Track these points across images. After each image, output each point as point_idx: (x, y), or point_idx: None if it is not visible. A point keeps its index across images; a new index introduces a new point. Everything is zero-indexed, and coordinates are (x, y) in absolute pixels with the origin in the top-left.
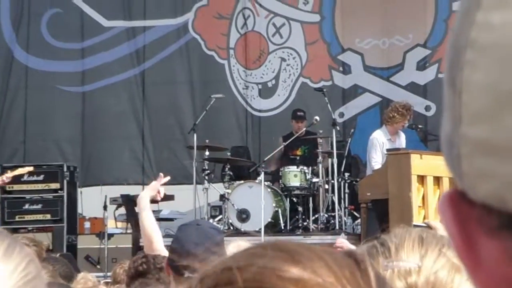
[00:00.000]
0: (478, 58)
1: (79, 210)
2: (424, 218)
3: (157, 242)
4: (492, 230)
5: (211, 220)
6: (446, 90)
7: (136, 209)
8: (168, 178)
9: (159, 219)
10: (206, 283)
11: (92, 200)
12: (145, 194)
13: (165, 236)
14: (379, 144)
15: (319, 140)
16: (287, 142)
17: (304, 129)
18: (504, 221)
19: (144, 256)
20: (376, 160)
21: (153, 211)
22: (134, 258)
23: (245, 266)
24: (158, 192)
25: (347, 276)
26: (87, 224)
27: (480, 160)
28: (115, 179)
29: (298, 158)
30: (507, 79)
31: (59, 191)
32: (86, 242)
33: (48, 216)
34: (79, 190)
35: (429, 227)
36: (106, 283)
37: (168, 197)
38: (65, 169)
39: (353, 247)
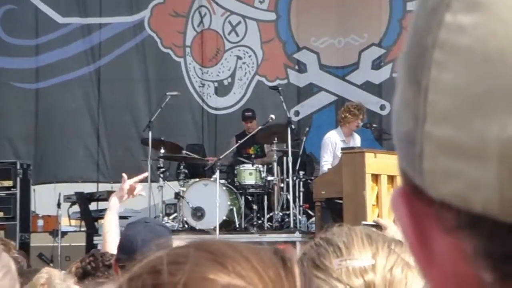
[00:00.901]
0: (448, 59)
1: (32, 208)
2: (378, 216)
3: (110, 243)
4: (449, 228)
5: (165, 218)
6: (406, 87)
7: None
8: (145, 174)
9: None
10: (132, 285)
11: (45, 198)
12: (113, 195)
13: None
14: (332, 144)
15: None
16: (242, 141)
17: (259, 127)
18: (462, 220)
19: (91, 255)
20: (326, 160)
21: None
22: (82, 257)
23: (170, 267)
24: (129, 191)
25: (271, 277)
26: (40, 222)
27: (444, 159)
28: (69, 176)
29: (252, 156)
30: (477, 83)
31: (12, 189)
32: (39, 240)
33: (1, 214)
34: (32, 188)
35: (379, 225)
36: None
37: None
38: (18, 166)
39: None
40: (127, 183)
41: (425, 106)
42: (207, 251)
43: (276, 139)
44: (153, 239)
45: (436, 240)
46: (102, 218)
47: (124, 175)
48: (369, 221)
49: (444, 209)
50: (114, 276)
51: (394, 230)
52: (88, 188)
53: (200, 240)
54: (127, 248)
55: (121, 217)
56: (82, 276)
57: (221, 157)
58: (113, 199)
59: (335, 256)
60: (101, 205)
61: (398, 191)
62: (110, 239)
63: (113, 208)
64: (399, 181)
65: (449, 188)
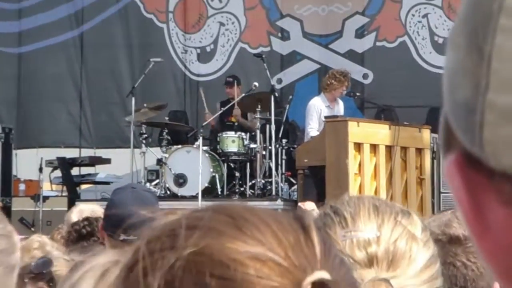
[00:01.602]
0: None
1: (14, 172)
2: (360, 185)
3: None
4: (508, 200)
5: (147, 184)
6: (465, 55)
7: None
8: None
9: (95, 182)
10: (151, 247)
11: (27, 163)
12: None
13: (101, 199)
14: (317, 111)
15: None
16: (225, 108)
17: (243, 95)
18: None
19: (86, 218)
20: (312, 127)
21: (90, 174)
22: (74, 221)
23: (188, 232)
24: None
25: (291, 242)
26: (22, 186)
27: (508, 128)
28: (52, 141)
29: (235, 124)
30: None
31: None
32: (20, 204)
33: None
34: (14, 152)
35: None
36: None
37: (104, 161)
38: (0, 130)
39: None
40: None
41: (488, 74)
42: (226, 215)
43: (259, 107)
44: (139, 205)
45: (493, 211)
46: (84, 183)
47: None
48: (352, 190)
49: (504, 181)
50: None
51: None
52: (71, 153)
53: (220, 204)
54: (114, 214)
55: (102, 183)
56: (76, 240)
57: (204, 124)
58: None
59: (340, 226)
60: (83, 170)
61: (453, 160)
62: None
63: None
64: (381, 150)
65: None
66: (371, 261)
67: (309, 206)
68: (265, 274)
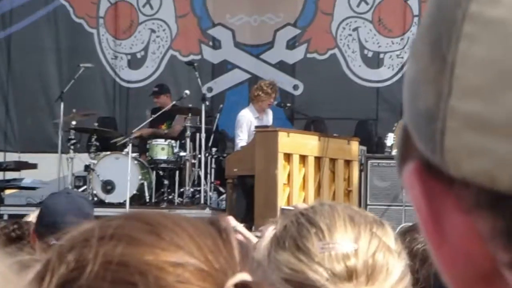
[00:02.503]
0: (479, 32)
1: None
2: (289, 195)
3: None
4: (467, 208)
5: (74, 191)
6: (428, 63)
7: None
8: None
9: (21, 187)
10: (62, 258)
11: None
12: None
13: (27, 205)
14: (247, 123)
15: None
16: (155, 116)
17: (173, 102)
18: (482, 199)
19: (15, 222)
20: (242, 138)
21: (15, 179)
22: (2, 225)
23: (103, 241)
24: None
25: (209, 246)
26: None
27: (469, 135)
28: None
29: (165, 132)
30: None
31: None
32: None
33: None
34: None
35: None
36: None
37: (30, 166)
38: None
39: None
40: None
41: (450, 81)
42: (142, 222)
43: (190, 115)
44: (74, 211)
45: (451, 219)
46: (8, 188)
47: None
48: (281, 200)
49: (463, 188)
50: (35, 246)
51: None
52: None
53: (134, 211)
54: (47, 219)
55: (28, 188)
56: (4, 243)
57: (134, 131)
58: None
59: (317, 238)
60: (8, 175)
61: (411, 169)
62: None
63: None
64: (310, 161)
65: (473, 165)
66: (350, 275)
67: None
68: (186, 279)
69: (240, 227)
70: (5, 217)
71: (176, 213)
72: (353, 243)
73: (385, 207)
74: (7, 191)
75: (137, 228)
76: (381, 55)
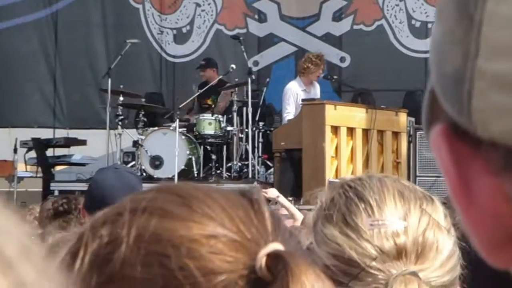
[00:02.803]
0: None
1: None
2: (337, 168)
3: None
4: (495, 169)
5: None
6: (454, 24)
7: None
8: None
9: (70, 164)
10: (95, 232)
11: (1, 143)
12: None
13: (76, 181)
14: (293, 95)
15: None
16: (202, 91)
17: (219, 77)
18: (510, 160)
19: (65, 197)
20: (289, 111)
21: (65, 156)
22: (53, 199)
23: (135, 213)
24: None
25: (241, 217)
26: None
27: (497, 95)
28: (25, 121)
29: (212, 106)
30: None
31: None
32: None
33: None
34: None
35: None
36: None
37: (80, 142)
38: None
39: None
40: None
41: (477, 41)
42: (173, 194)
43: (236, 89)
44: (122, 186)
45: (480, 181)
46: (58, 164)
47: None
48: (329, 173)
49: (491, 150)
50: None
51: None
52: (44, 133)
53: (165, 184)
54: (96, 194)
55: (78, 164)
56: (53, 217)
57: (181, 106)
58: None
59: (366, 214)
60: (58, 151)
61: (439, 132)
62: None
63: None
64: (358, 133)
65: (501, 125)
66: (399, 253)
67: (272, 193)
68: (219, 250)
69: (283, 200)
70: (56, 193)
71: (207, 185)
72: (403, 220)
73: (434, 178)
74: (58, 167)
75: (168, 201)
76: (429, 25)
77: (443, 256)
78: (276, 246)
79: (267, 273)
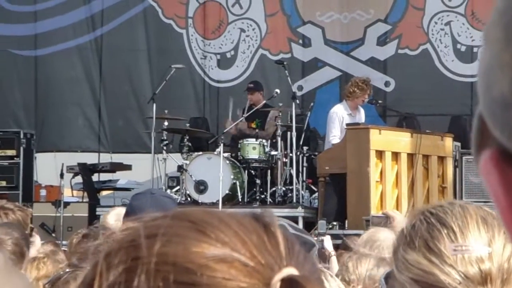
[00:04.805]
0: None
1: (34, 178)
2: (382, 193)
3: None
4: None
5: (168, 191)
6: (502, 49)
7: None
8: None
9: (116, 189)
10: (110, 261)
11: (46, 167)
12: None
13: (122, 205)
14: (339, 119)
15: (276, 113)
16: (247, 114)
17: (264, 101)
18: None
19: (102, 227)
20: (335, 135)
21: (110, 181)
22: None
23: (149, 241)
24: None
25: (254, 241)
26: (43, 192)
27: None
28: (69, 146)
29: (256, 130)
30: None
31: (15, 158)
32: (41, 210)
33: (4, 183)
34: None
35: (387, 217)
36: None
37: (125, 167)
38: (21, 136)
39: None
40: None
41: None
42: (186, 220)
43: (280, 114)
44: (158, 210)
45: None
46: (104, 189)
47: None
48: (374, 197)
49: None
50: None
51: (401, 221)
52: (87, 158)
53: (177, 210)
54: (132, 219)
55: (124, 189)
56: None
57: (225, 131)
58: None
59: (449, 239)
60: (103, 176)
61: (488, 157)
62: None
63: None
64: (403, 158)
65: None
66: (484, 279)
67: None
68: (233, 275)
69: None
70: (101, 217)
71: (220, 210)
72: (487, 246)
73: (482, 203)
74: (103, 192)
75: (182, 227)
76: (475, 49)
77: None
78: (290, 271)
79: None
